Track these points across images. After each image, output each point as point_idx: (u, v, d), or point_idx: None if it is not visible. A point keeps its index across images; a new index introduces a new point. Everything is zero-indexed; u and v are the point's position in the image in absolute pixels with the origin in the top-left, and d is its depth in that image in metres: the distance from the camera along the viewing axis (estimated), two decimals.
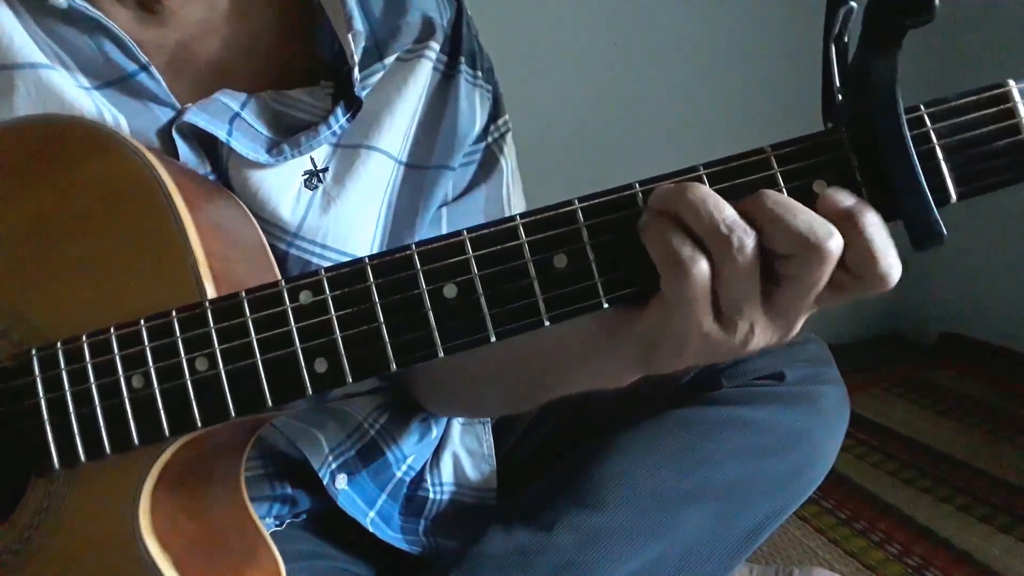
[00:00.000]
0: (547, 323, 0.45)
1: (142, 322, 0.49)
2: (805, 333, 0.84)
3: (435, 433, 0.83)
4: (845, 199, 0.43)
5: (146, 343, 0.49)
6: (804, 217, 0.42)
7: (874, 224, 0.43)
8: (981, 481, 1.48)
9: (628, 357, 0.52)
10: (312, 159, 0.67)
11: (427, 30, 0.72)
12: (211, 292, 0.50)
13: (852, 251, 0.43)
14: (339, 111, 0.66)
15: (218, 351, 0.48)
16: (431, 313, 0.46)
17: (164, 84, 0.63)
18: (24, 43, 0.60)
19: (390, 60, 0.70)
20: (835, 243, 0.42)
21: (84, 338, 0.50)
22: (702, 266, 0.44)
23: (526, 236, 0.45)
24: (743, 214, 0.44)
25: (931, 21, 0.38)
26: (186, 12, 0.65)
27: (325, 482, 0.73)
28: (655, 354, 0.49)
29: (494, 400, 0.74)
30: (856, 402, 1.00)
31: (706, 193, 0.43)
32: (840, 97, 0.45)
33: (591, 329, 0.54)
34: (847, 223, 0.43)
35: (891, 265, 0.43)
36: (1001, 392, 1.83)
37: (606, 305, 0.45)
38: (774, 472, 0.75)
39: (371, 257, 0.47)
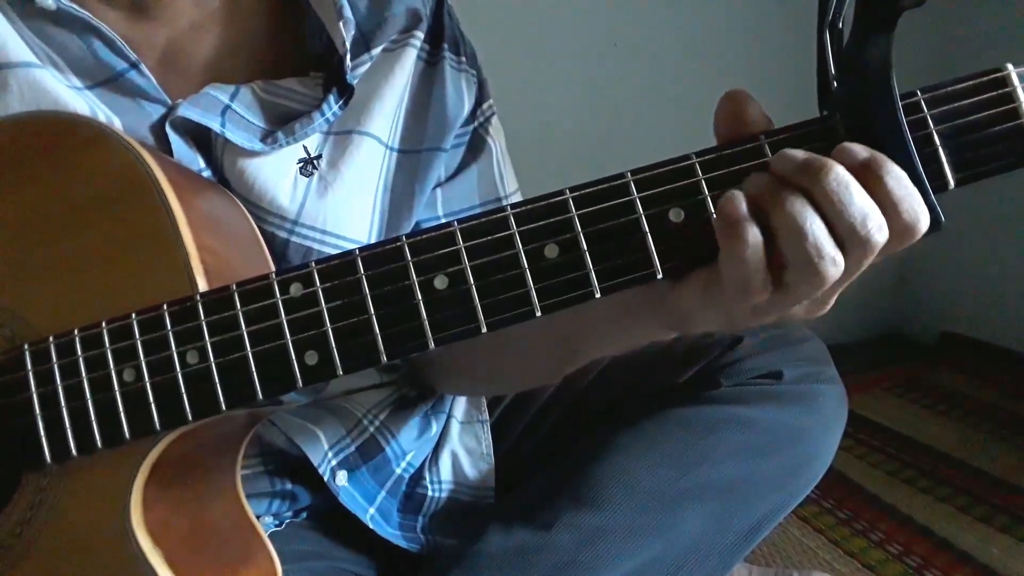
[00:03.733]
0: (539, 314, 0.45)
1: (133, 316, 0.49)
2: (804, 332, 0.84)
3: (434, 430, 0.83)
4: (861, 151, 0.42)
5: (137, 337, 0.49)
6: (859, 205, 0.41)
7: (895, 174, 0.42)
8: (981, 481, 1.48)
9: (664, 322, 0.52)
10: (305, 147, 0.67)
11: (412, 21, 0.73)
12: (203, 286, 0.50)
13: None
14: (331, 98, 0.67)
15: (209, 344, 0.48)
16: (422, 304, 0.46)
17: (154, 81, 0.64)
18: (16, 43, 0.60)
19: (377, 51, 0.71)
20: (882, 235, 0.41)
21: (76, 332, 0.50)
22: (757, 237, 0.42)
23: (517, 226, 0.45)
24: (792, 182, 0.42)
25: (923, 3, 0.38)
26: (176, 9, 0.66)
27: (326, 479, 0.73)
28: (691, 322, 0.49)
29: (528, 370, 0.74)
30: (856, 402, 1.00)
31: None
32: (835, 84, 0.44)
33: (629, 300, 0.54)
34: (866, 174, 0.42)
35: (916, 212, 0.41)
36: (1001, 392, 1.83)
37: (598, 295, 0.45)
38: (772, 471, 0.75)
39: (361, 249, 0.47)
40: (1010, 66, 0.43)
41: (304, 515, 0.77)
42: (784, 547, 1.31)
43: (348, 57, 0.67)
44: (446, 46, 0.75)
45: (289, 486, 0.75)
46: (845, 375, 0.82)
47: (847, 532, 1.35)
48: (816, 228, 0.41)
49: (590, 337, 0.62)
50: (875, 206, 0.42)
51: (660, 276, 0.45)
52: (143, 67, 0.63)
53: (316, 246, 0.67)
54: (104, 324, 0.49)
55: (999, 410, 1.75)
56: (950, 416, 1.75)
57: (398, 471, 0.80)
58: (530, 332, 0.66)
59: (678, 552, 0.72)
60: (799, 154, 0.43)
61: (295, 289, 0.47)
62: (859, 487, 1.48)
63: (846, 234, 0.42)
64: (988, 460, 1.54)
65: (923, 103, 0.43)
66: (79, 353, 0.49)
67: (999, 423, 1.69)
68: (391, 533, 0.77)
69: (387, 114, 0.71)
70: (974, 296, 2.04)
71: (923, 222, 0.42)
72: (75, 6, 0.60)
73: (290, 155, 0.67)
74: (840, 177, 0.41)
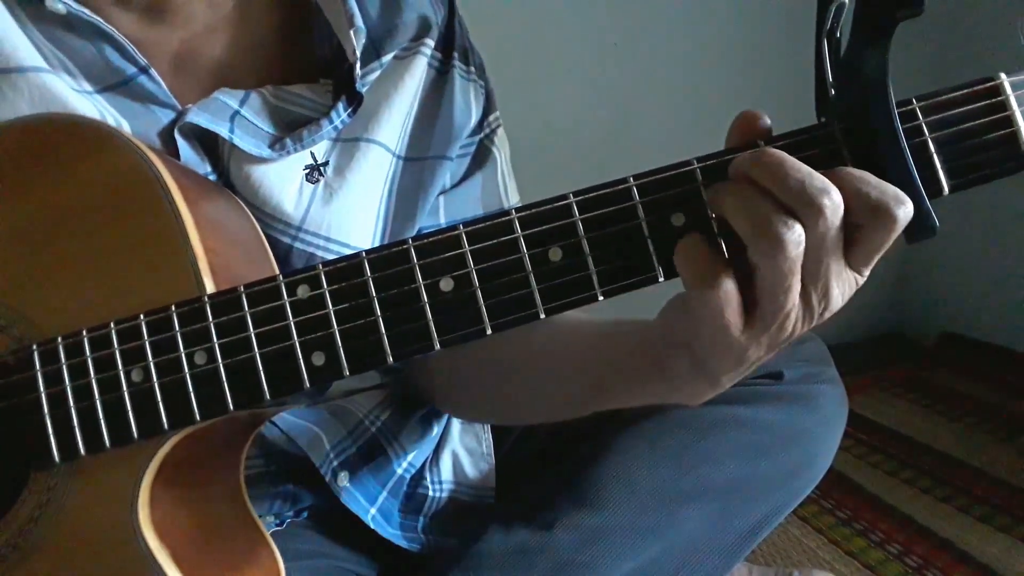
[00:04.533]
0: (543, 315, 0.46)
1: (141, 317, 0.49)
2: (804, 332, 0.84)
3: (435, 431, 0.84)
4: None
5: (145, 337, 0.49)
6: (797, 176, 0.42)
7: (850, 171, 0.43)
8: (981, 481, 1.48)
9: (681, 369, 0.52)
10: (312, 153, 0.68)
11: (423, 28, 0.73)
12: (210, 287, 0.50)
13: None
14: (340, 106, 0.67)
15: (216, 345, 0.48)
16: (428, 306, 0.46)
17: (164, 86, 0.64)
18: (27, 48, 0.60)
19: (387, 59, 0.71)
20: (830, 200, 0.42)
21: (84, 333, 0.50)
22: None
23: (522, 230, 0.46)
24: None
25: (921, 13, 0.39)
26: (190, 12, 0.66)
27: (327, 480, 0.73)
28: (705, 361, 0.49)
29: (547, 408, 0.74)
30: (856, 402, 1.00)
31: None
32: (833, 92, 0.45)
33: (635, 351, 0.55)
34: (829, 175, 0.43)
35: (885, 196, 0.42)
36: (1001, 392, 1.83)
37: (601, 298, 0.46)
38: (773, 471, 0.75)
39: (368, 251, 0.47)
40: (1003, 75, 0.44)
41: (305, 515, 0.78)
42: (784, 547, 1.31)
43: (358, 66, 0.67)
44: (456, 55, 0.75)
45: (291, 487, 0.75)
46: (845, 375, 0.82)
47: (847, 532, 1.35)
48: (750, 196, 0.43)
49: (617, 382, 0.62)
50: (813, 171, 0.43)
51: (662, 279, 0.46)
52: (153, 72, 0.63)
53: (320, 252, 0.67)
54: (112, 325, 0.50)
55: (999, 410, 1.76)
56: (950, 416, 1.76)
57: (399, 471, 0.80)
58: (556, 371, 0.67)
59: (678, 552, 0.72)
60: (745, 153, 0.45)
61: (302, 291, 0.48)
62: (859, 487, 1.49)
63: (792, 202, 0.42)
64: (988, 460, 1.55)
65: (918, 111, 0.44)
66: (88, 354, 0.50)
67: (999, 423, 1.69)
68: (392, 533, 0.77)
69: (396, 121, 0.71)
70: (974, 296, 2.04)
71: (900, 207, 0.42)
72: (86, 11, 0.60)
73: (297, 161, 0.67)
74: (770, 151, 0.43)
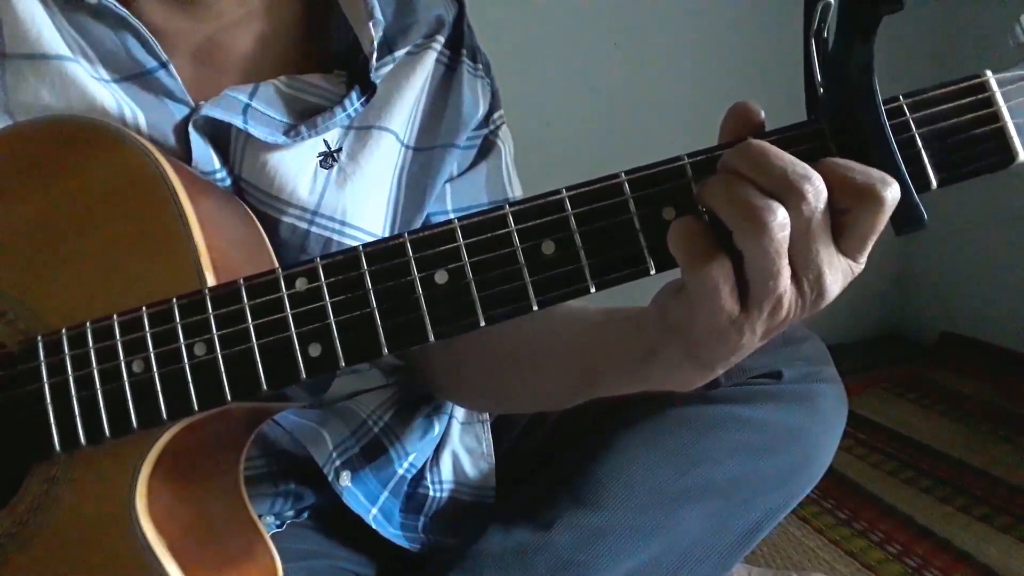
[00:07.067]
0: (535, 308, 0.46)
1: (143, 308, 0.50)
2: (804, 332, 0.84)
3: (437, 430, 0.84)
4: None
5: (147, 329, 0.50)
6: (779, 164, 0.43)
7: (835, 160, 0.43)
8: (981, 481, 1.48)
9: (675, 356, 0.52)
10: (325, 141, 0.69)
11: (435, 26, 0.76)
12: (211, 282, 0.51)
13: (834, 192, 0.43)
14: (354, 95, 0.69)
15: (216, 336, 0.49)
16: (422, 299, 0.47)
17: (180, 82, 0.65)
18: (52, 36, 0.62)
19: (400, 54, 0.73)
20: (812, 186, 0.42)
21: (87, 324, 0.51)
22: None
23: (515, 224, 0.47)
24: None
25: (901, 8, 0.39)
26: (220, 8, 0.67)
27: (329, 479, 0.74)
28: (698, 346, 0.49)
29: (542, 394, 0.74)
30: (856, 402, 1.00)
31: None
32: (821, 91, 0.46)
33: (628, 337, 0.56)
34: (819, 167, 0.43)
35: (871, 178, 0.42)
36: (1001, 392, 1.83)
37: (593, 290, 0.46)
38: (772, 470, 0.75)
39: (365, 245, 0.48)
40: (988, 72, 0.45)
41: (305, 515, 0.78)
42: (784, 547, 1.31)
43: (374, 57, 0.68)
44: (465, 52, 0.77)
45: (292, 486, 0.75)
46: (845, 375, 0.82)
47: (847, 532, 1.35)
48: (736, 184, 0.44)
49: (610, 368, 0.62)
50: (795, 159, 0.43)
51: (653, 272, 0.46)
52: (172, 68, 0.65)
53: (336, 237, 0.69)
54: (115, 317, 0.50)
55: (999, 410, 1.75)
56: (950, 416, 1.75)
57: (400, 471, 0.80)
58: (550, 359, 0.67)
59: (678, 552, 0.72)
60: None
61: (300, 283, 0.48)
62: (859, 487, 1.49)
63: (775, 188, 0.43)
64: (988, 460, 1.54)
65: (905, 107, 0.45)
66: (90, 344, 0.51)
67: (999, 423, 1.69)
68: (393, 533, 0.77)
69: (405, 112, 0.73)
70: (974, 296, 2.04)
71: (886, 187, 0.42)
72: (115, 2, 0.62)
73: (310, 148, 0.68)
74: (754, 143, 0.44)
